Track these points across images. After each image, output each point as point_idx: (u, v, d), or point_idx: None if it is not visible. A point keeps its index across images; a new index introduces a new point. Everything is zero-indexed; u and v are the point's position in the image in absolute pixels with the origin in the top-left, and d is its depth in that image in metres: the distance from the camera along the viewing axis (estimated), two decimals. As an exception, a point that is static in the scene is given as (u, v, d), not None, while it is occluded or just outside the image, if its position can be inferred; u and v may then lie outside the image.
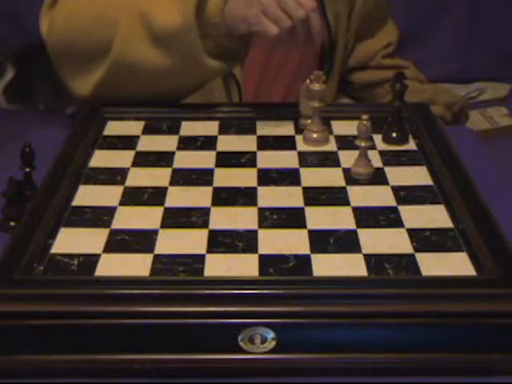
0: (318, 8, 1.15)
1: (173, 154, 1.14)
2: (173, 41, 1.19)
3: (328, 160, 1.12)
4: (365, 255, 0.90)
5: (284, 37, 1.13)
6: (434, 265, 0.89)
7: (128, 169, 1.10)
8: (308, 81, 1.16)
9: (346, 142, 1.16)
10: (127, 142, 1.18)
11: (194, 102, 1.31)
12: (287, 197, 1.03)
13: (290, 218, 0.98)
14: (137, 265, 0.88)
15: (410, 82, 1.45)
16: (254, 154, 1.14)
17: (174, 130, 1.21)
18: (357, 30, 1.48)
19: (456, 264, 0.89)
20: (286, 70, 1.42)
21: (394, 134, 1.18)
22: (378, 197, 1.03)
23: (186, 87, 1.26)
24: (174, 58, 1.19)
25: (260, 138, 1.19)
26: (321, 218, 0.98)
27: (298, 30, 1.13)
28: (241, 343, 0.82)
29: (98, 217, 0.98)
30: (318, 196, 1.03)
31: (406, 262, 0.89)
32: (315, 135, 1.17)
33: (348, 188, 1.05)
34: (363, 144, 1.07)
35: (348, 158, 1.11)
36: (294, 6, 1.12)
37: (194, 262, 0.89)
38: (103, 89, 1.25)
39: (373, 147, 1.13)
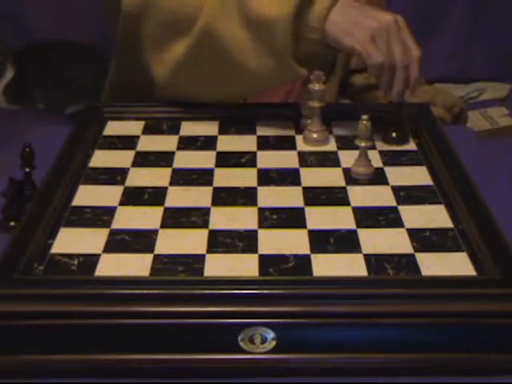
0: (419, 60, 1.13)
1: (173, 154, 1.14)
2: (264, 29, 1.15)
3: (328, 160, 1.13)
4: (365, 255, 0.90)
5: (384, 70, 1.12)
6: (433, 265, 0.89)
7: (128, 169, 1.10)
8: (309, 80, 1.16)
9: (345, 142, 1.16)
10: (127, 142, 1.18)
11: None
12: (287, 197, 1.03)
13: (290, 218, 0.98)
14: (137, 265, 0.88)
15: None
16: (254, 154, 1.14)
17: (174, 130, 1.21)
18: None
19: (456, 264, 0.89)
20: None
21: (394, 134, 1.18)
22: (378, 197, 1.03)
23: (261, 83, 1.22)
24: (260, 46, 1.16)
25: (260, 138, 1.19)
26: (321, 218, 0.98)
27: (397, 74, 1.12)
28: (241, 343, 0.82)
29: (98, 217, 0.98)
30: (318, 196, 1.03)
31: (405, 262, 0.89)
32: (315, 135, 1.17)
33: (348, 188, 1.05)
34: (363, 144, 1.07)
35: (348, 158, 1.11)
36: (403, 48, 1.11)
37: (194, 262, 0.89)
38: (183, 69, 1.22)
39: (373, 147, 1.13)
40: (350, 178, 1.07)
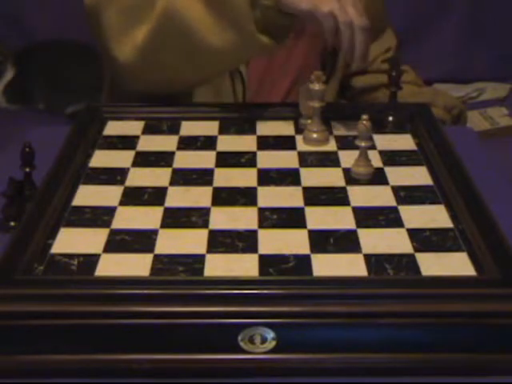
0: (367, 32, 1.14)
1: (173, 154, 1.14)
2: (223, 1, 1.15)
3: (328, 160, 1.12)
4: (365, 255, 0.90)
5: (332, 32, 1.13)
6: (434, 265, 0.89)
7: (128, 169, 1.10)
8: (309, 80, 1.16)
9: (346, 142, 1.16)
10: (127, 142, 1.18)
11: (201, 96, 1.30)
12: (287, 197, 1.03)
13: (290, 218, 0.98)
14: (137, 265, 0.88)
15: (408, 85, 1.46)
16: (254, 154, 1.14)
17: (174, 130, 1.21)
18: None
19: (456, 264, 0.89)
20: (288, 71, 1.42)
21: (391, 118, 1.19)
22: (378, 197, 1.03)
23: (228, 59, 1.22)
24: (220, 20, 1.16)
25: (260, 138, 1.19)
26: (321, 218, 0.98)
27: (357, 33, 1.13)
28: (241, 343, 0.82)
29: (98, 217, 0.98)
30: (318, 196, 1.03)
31: (406, 262, 0.89)
32: (315, 135, 1.17)
33: (348, 188, 1.05)
34: (363, 144, 1.07)
35: (348, 158, 1.11)
36: (356, 11, 1.13)
37: (194, 262, 0.89)
38: (148, 52, 1.22)
39: (373, 147, 1.13)
40: (350, 178, 1.07)
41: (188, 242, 0.93)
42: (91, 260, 0.89)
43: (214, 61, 1.21)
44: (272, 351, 0.82)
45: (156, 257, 0.90)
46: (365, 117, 1.07)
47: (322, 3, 1.13)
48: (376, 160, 1.11)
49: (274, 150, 1.15)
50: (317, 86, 1.16)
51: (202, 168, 1.10)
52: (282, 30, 1.18)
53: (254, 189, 1.05)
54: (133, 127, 1.22)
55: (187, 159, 1.13)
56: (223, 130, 1.21)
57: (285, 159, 1.13)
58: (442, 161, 1.10)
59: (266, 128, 1.22)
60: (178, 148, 1.16)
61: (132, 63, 1.23)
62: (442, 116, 1.46)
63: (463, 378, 0.82)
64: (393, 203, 1.01)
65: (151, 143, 1.18)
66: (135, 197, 1.03)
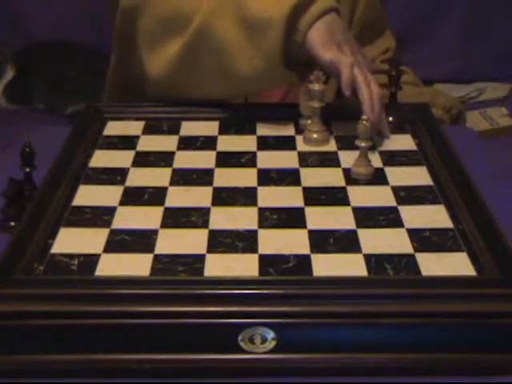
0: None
1: (173, 153, 1.14)
2: (258, 29, 1.16)
3: (328, 160, 1.12)
4: (365, 255, 0.90)
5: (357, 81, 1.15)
6: (434, 265, 0.89)
7: (128, 169, 1.10)
8: (309, 81, 1.17)
9: (346, 142, 1.16)
10: (127, 142, 1.18)
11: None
12: (287, 197, 1.03)
13: (290, 218, 0.98)
14: (137, 265, 0.88)
15: (408, 86, 1.46)
16: (253, 154, 1.14)
17: (174, 130, 1.21)
18: (356, 38, 1.49)
19: (456, 264, 0.89)
20: None
21: (391, 118, 1.20)
22: (378, 197, 1.03)
23: (252, 85, 1.23)
24: (252, 47, 1.17)
25: (260, 138, 1.19)
26: (321, 218, 0.98)
27: (373, 88, 1.16)
28: (241, 343, 0.82)
29: (98, 217, 0.98)
30: (318, 196, 1.03)
31: (405, 262, 0.89)
32: (315, 135, 1.17)
33: (348, 188, 1.05)
34: (363, 144, 1.07)
35: (348, 157, 1.11)
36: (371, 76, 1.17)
37: (194, 262, 0.89)
38: (176, 68, 1.22)
39: (373, 147, 1.13)
40: (350, 178, 1.07)
41: (188, 242, 0.93)
42: (91, 260, 0.89)
43: (242, 85, 1.22)
44: (272, 351, 0.82)
45: (156, 257, 0.90)
46: (365, 117, 1.07)
47: (345, 55, 1.16)
48: (376, 160, 1.12)
49: (274, 150, 1.15)
50: (317, 86, 1.16)
51: (202, 168, 1.10)
52: (304, 67, 1.20)
53: (254, 189, 1.05)
54: (133, 127, 1.22)
55: (187, 159, 1.13)
56: (223, 130, 1.21)
57: (285, 159, 1.13)
58: (442, 161, 1.10)
59: (266, 128, 1.22)
60: (178, 148, 1.16)
61: (164, 78, 1.24)
62: (441, 116, 1.46)
63: (463, 378, 0.82)
64: (393, 203, 1.01)
65: (151, 143, 1.18)
66: (135, 197, 1.03)
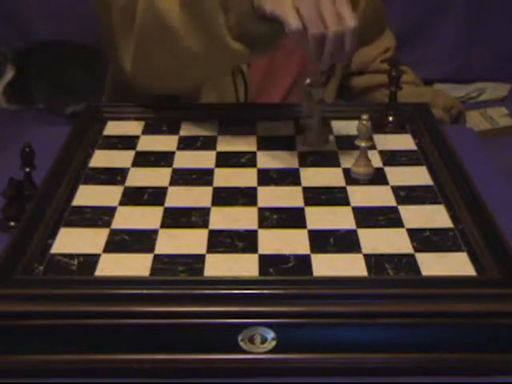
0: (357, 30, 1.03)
1: (173, 153, 1.14)
2: (194, 3, 1.09)
3: (328, 160, 1.12)
4: (365, 255, 0.90)
5: (306, 39, 1.02)
6: (434, 265, 0.89)
7: (128, 169, 1.10)
8: (308, 81, 1.16)
9: (346, 142, 1.16)
10: (127, 142, 1.18)
11: (204, 96, 1.30)
12: (287, 197, 1.03)
13: (290, 218, 0.98)
14: (137, 265, 0.88)
15: (408, 86, 1.46)
16: (253, 154, 1.14)
17: (174, 130, 1.21)
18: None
19: (456, 264, 0.89)
20: (288, 72, 1.43)
21: (391, 118, 1.20)
22: (378, 197, 1.03)
23: (209, 63, 1.15)
24: (194, 23, 1.10)
25: (260, 138, 1.19)
26: (321, 218, 0.98)
27: (328, 43, 1.02)
28: (241, 343, 0.82)
29: (98, 217, 0.98)
30: (318, 196, 1.03)
31: (405, 262, 0.89)
32: (315, 135, 1.17)
33: (348, 188, 1.05)
34: (363, 144, 1.07)
35: (348, 157, 1.12)
36: (335, 18, 1.01)
37: (194, 262, 0.89)
38: (139, 58, 1.19)
39: (373, 147, 1.13)
40: (350, 178, 1.07)
41: (188, 242, 0.93)
42: (91, 260, 0.89)
43: (195, 65, 1.15)
44: (272, 351, 0.82)
45: (156, 257, 0.90)
46: (365, 117, 1.07)
47: (302, 5, 1.03)
48: (376, 160, 1.12)
49: (274, 150, 1.15)
50: (317, 87, 1.16)
51: (202, 168, 1.10)
52: (261, 37, 1.10)
53: (254, 189, 1.05)
54: (133, 127, 1.22)
55: (187, 159, 1.13)
56: (223, 130, 1.21)
57: (285, 159, 1.13)
58: (442, 161, 1.10)
59: (265, 128, 1.22)
60: (178, 148, 1.16)
61: (132, 71, 1.22)
62: (441, 116, 1.47)
63: (463, 378, 0.82)
64: (393, 203, 1.01)
65: (151, 143, 1.18)
66: (135, 197, 1.03)
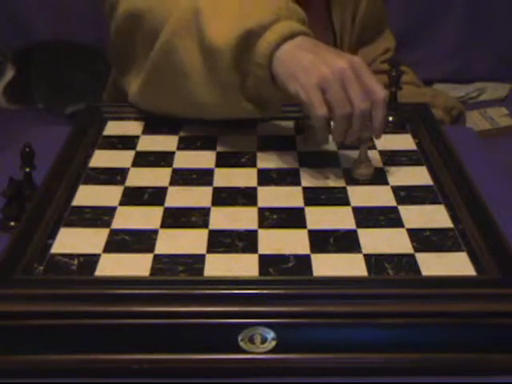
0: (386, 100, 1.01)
1: (173, 153, 1.14)
2: (212, 57, 1.07)
3: (328, 160, 1.12)
4: (365, 255, 0.90)
5: (329, 122, 1.02)
6: (434, 265, 0.89)
7: (128, 169, 1.10)
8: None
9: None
10: (127, 142, 1.18)
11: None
12: (287, 197, 1.03)
13: (290, 218, 0.98)
14: (137, 265, 0.88)
15: (408, 86, 1.46)
16: (253, 154, 1.14)
17: (174, 130, 1.21)
18: (357, 38, 1.50)
19: (456, 264, 0.89)
20: None
21: (391, 118, 1.20)
22: (378, 197, 1.03)
23: (211, 112, 1.15)
24: (208, 74, 1.09)
25: (260, 138, 1.19)
26: (321, 218, 0.98)
27: (354, 122, 1.00)
28: (241, 343, 0.82)
29: (98, 217, 0.98)
30: (318, 196, 1.03)
31: (405, 262, 0.89)
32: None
33: (348, 188, 1.05)
34: (363, 144, 1.07)
35: (348, 157, 1.12)
36: (362, 95, 0.99)
37: (194, 262, 0.89)
38: (147, 89, 1.18)
39: (373, 147, 1.13)
40: (350, 178, 1.07)
41: (188, 241, 0.93)
42: (91, 260, 0.89)
43: (203, 109, 1.15)
44: (272, 351, 0.82)
45: (156, 257, 0.90)
46: None
47: (309, 76, 1.00)
48: (376, 160, 1.12)
49: (274, 150, 1.15)
50: None
51: (202, 168, 1.10)
52: (276, 101, 1.11)
53: (254, 189, 1.05)
54: (133, 127, 1.22)
55: (187, 159, 1.13)
56: (223, 130, 1.21)
57: (285, 159, 1.13)
58: (442, 161, 1.10)
59: (265, 128, 1.22)
60: (178, 148, 1.16)
61: (138, 96, 1.22)
62: (441, 117, 1.47)
63: (463, 378, 0.82)
64: (393, 203, 1.01)
65: (151, 143, 1.18)
66: (135, 197, 1.03)
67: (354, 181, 1.07)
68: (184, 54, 1.11)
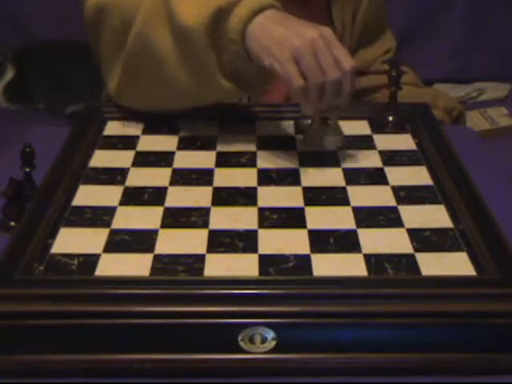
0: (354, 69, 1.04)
1: (173, 153, 1.14)
2: (185, 39, 1.09)
3: (328, 160, 1.12)
4: (365, 255, 0.90)
5: (306, 91, 1.03)
6: (434, 265, 0.89)
7: (128, 169, 1.10)
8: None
9: (345, 142, 1.16)
10: (127, 142, 1.18)
11: None
12: (287, 197, 1.03)
13: (290, 218, 0.98)
14: (137, 265, 0.88)
15: (408, 86, 1.46)
16: (254, 154, 1.14)
17: (173, 130, 1.21)
18: (358, 38, 1.49)
19: (456, 264, 0.89)
20: None
21: (391, 118, 1.20)
22: (378, 197, 1.03)
23: (193, 97, 1.16)
24: (184, 57, 1.11)
25: (260, 138, 1.19)
26: (321, 217, 0.98)
27: (327, 90, 1.03)
28: (241, 343, 0.82)
29: (98, 217, 0.98)
30: (318, 196, 1.03)
31: (405, 262, 0.89)
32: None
33: (348, 188, 1.05)
34: (334, 111, 1.08)
35: (348, 157, 1.11)
36: (333, 64, 1.02)
37: (194, 262, 0.89)
38: (125, 82, 1.19)
39: (373, 147, 1.13)
40: (350, 177, 1.07)
41: (188, 242, 0.93)
42: (91, 260, 0.89)
43: (182, 95, 1.15)
44: (272, 351, 0.82)
45: (156, 257, 0.90)
46: None
47: (282, 48, 1.03)
48: (376, 160, 1.12)
49: (274, 150, 1.15)
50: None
51: (202, 168, 1.10)
52: (253, 78, 1.11)
53: (254, 189, 1.05)
54: (133, 127, 1.22)
55: (187, 159, 1.13)
56: (223, 130, 1.21)
57: (285, 159, 1.13)
58: (442, 161, 1.10)
59: (266, 128, 1.22)
60: (178, 148, 1.16)
61: (117, 91, 1.22)
62: (441, 117, 1.46)
63: (463, 378, 0.82)
64: (393, 203, 1.01)
65: (151, 143, 1.18)
66: (135, 197, 1.03)
67: (354, 181, 1.06)
68: (158, 41, 1.12)
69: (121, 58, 1.18)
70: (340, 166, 1.10)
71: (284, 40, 1.03)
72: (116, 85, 1.21)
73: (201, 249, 0.91)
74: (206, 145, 1.17)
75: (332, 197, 1.03)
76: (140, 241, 0.93)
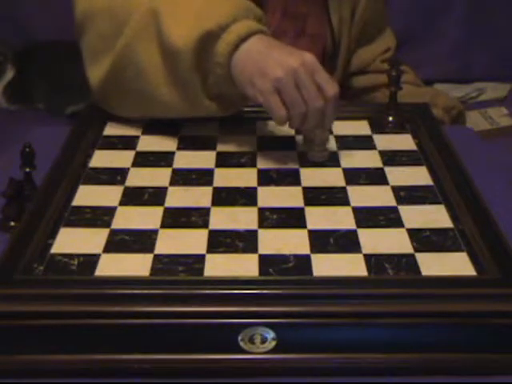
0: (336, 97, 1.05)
1: (173, 154, 1.14)
2: (172, 58, 1.10)
3: (328, 160, 1.12)
4: (365, 255, 0.90)
5: (290, 119, 1.06)
6: (434, 265, 0.89)
7: (128, 169, 1.10)
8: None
9: (345, 142, 1.16)
10: (127, 142, 1.18)
11: None
12: (287, 197, 1.03)
13: (290, 218, 0.98)
14: (137, 265, 0.88)
15: (408, 86, 1.46)
16: (254, 154, 1.14)
17: (173, 130, 1.21)
18: (357, 36, 1.49)
19: (456, 264, 0.89)
20: None
21: (391, 118, 1.20)
22: (378, 197, 1.03)
23: (174, 111, 1.17)
24: (169, 75, 1.13)
25: (260, 138, 1.19)
26: (321, 217, 0.98)
27: (310, 118, 1.05)
28: (241, 343, 0.82)
29: (98, 217, 0.98)
30: (318, 196, 1.03)
31: (405, 262, 0.89)
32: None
33: (348, 188, 1.05)
34: (319, 129, 1.08)
35: (348, 157, 1.12)
36: (315, 93, 1.03)
37: (194, 262, 0.89)
38: (109, 83, 1.19)
39: (373, 147, 1.13)
40: (350, 177, 1.07)
41: (188, 242, 0.93)
42: (91, 260, 0.89)
43: (164, 108, 1.17)
44: (272, 351, 0.82)
45: (156, 257, 0.90)
46: None
47: (263, 79, 1.04)
48: (376, 160, 1.12)
49: (274, 150, 1.15)
50: None
51: (202, 168, 1.10)
52: (237, 99, 1.14)
53: (254, 189, 1.05)
54: (133, 127, 1.22)
55: (187, 159, 1.13)
56: (223, 130, 1.21)
57: (285, 159, 1.13)
58: (442, 161, 1.10)
59: (265, 128, 1.22)
60: (178, 148, 1.16)
61: (100, 89, 1.21)
62: (441, 117, 1.47)
63: (463, 378, 0.82)
64: (393, 203, 1.01)
65: (151, 143, 1.18)
66: (135, 197, 1.03)
67: (354, 181, 1.07)
68: (144, 55, 1.13)
69: (104, 65, 1.18)
70: (340, 166, 1.10)
71: (267, 69, 1.04)
72: (99, 82, 1.20)
73: (201, 249, 0.91)
74: (205, 145, 1.17)
75: (332, 197, 1.03)
76: (140, 241, 0.93)
